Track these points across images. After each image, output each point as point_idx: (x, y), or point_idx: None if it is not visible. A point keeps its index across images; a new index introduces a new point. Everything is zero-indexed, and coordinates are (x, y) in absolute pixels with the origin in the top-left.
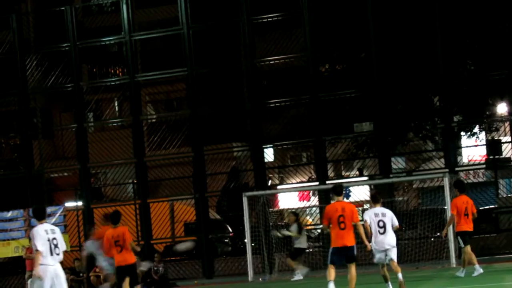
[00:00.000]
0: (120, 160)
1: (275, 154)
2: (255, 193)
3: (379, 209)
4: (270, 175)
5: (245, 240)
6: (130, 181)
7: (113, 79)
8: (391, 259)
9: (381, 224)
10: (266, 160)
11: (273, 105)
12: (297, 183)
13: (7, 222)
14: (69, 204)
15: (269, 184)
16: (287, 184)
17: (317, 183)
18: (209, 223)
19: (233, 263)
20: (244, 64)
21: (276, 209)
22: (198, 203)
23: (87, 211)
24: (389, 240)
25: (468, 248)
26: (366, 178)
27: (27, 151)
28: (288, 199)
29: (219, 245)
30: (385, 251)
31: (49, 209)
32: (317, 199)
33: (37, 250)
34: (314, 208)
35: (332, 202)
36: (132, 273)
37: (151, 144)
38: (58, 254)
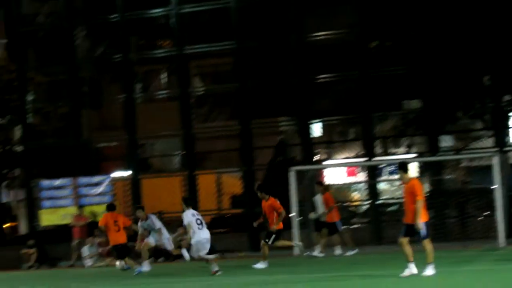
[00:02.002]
0: (167, 132)
1: (322, 129)
2: (301, 167)
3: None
4: (317, 150)
5: (291, 215)
6: (177, 152)
7: (161, 51)
8: None
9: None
10: (313, 135)
11: (321, 80)
12: (344, 158)
13: (55, 190)
14: (117, 174)
15: (316, 159)
16: (333, 159)
17: (364, 159)
18: (256, 196)
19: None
20: (293, 39)
21: None
22: (245, 176)
23: (134, 182)
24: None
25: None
26: (414, 155)
27: (75, 121)
28: (334, 175)
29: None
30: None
31: (96, 179)
32: (364, 175)
33: None
34: (361, 184)
35: (408, 179)
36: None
37: (199, 116)
38: None
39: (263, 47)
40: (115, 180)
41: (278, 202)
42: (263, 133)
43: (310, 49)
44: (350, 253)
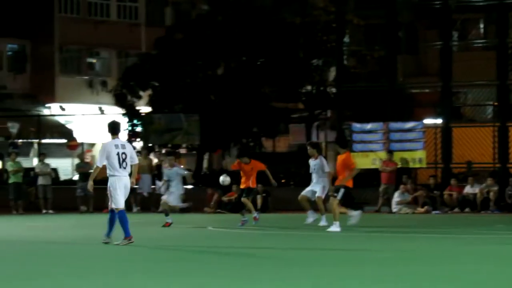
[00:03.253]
0: (482, 81)
1: None
2: None
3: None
4: None
5: None
6: (490, 103)
7: None
8: None
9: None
10: None
11: None
12: None
13: (366, 134)
14: (428, 121)
15: None
16: None
17: None
18: None
19: None
20: None
21: None
22: None
23: (445, 130)
24: None
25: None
26: None
27: (390, 65)
28: None
29: None
30: None
31: (408, 125)
32: None
33: (96, 166)
34: None
35: None
36: None
37: None
38: (125, 168)
39: None
40: (426, 127)
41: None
42: None
43: None
44: None
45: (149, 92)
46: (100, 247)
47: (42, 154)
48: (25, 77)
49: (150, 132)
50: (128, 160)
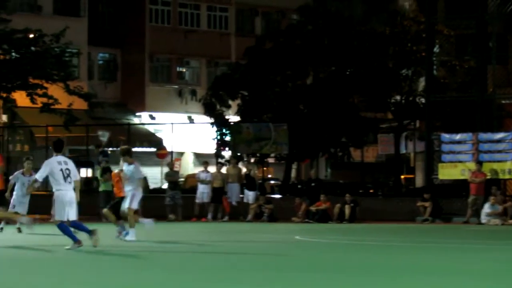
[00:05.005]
0: None
1: None
2: None
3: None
4: None
5: None
6: None
7: None
8: None
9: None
10: None
11: None
12: None
13: (455, 144)
14: None
15: None
16: None
17: None
18: None
19: None
20: None
21: None
22: None
23: None
24: None
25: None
26: None
27: (480, 75)
28: None
29: None
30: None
31: (498, 135)
32: None
33: (35, 179)
34: None
35: None
36: None
37: None
38: (70, 182)
39: None
40: None
41: None
42: None
43: None
44: None
45: (238, 101)
46: (184, 256)
47: None
48: (116, 86)
49: (238, 141)
50: (72, 175)
